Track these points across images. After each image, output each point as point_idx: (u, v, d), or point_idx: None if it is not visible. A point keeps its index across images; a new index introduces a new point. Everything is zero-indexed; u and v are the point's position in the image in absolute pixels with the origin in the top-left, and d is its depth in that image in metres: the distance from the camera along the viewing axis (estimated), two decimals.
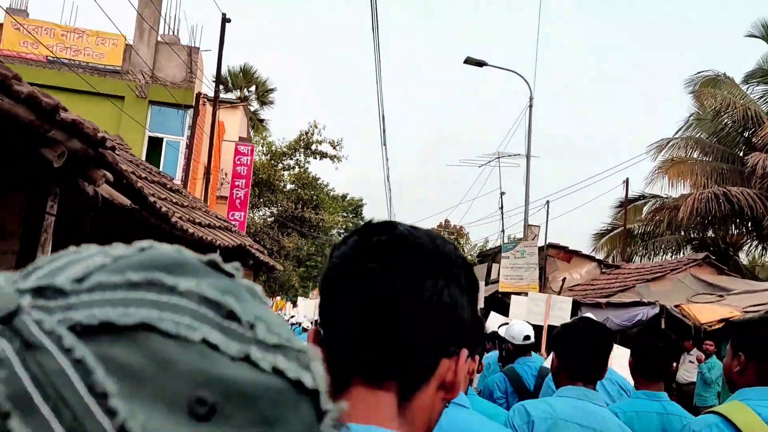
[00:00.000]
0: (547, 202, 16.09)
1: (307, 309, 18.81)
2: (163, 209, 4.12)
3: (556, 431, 1.92)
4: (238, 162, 18.85)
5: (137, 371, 0.26)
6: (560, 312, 7.44)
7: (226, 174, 18.91)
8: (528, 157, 15.05)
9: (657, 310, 9.72)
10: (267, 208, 34.78)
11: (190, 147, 12.53)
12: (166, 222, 4.24)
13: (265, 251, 8.41)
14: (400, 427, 0.66)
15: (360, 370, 0.66)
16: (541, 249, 14.85)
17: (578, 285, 14.03)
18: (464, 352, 0.69)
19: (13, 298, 0.27)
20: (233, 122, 20.22)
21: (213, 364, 0.27)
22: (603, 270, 14.98)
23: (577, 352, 2.09)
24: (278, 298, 40.09)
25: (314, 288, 38.98)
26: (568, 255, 14.87)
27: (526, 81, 15.38)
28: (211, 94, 14.17)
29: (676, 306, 9.82)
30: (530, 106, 15.21)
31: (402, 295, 0.65)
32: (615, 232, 23.45)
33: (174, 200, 5.70)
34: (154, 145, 13.53)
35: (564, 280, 12.01)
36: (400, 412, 0.66)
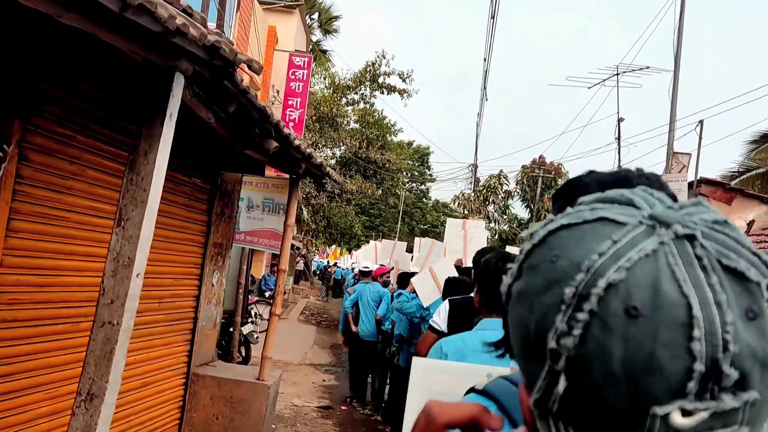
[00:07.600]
0: (701, 121, 11.99)
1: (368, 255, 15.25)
2: None
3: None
4: (293, 76, 15.53)
5: None
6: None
7: (278, 91, 15.66)
8: (677, 59, 11.03)
9: None
10: (329, 149, 31.69)
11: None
12: None
13: (313, 152, 5.07)
14: None
15: None
16: (689, 185, 11.02)
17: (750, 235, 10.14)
18: None
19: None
20: (288, 30, 16.85)
21: None
22: None
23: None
24: (334, 246, 37.22)
25: (377, 238, 35.78)
26: (729, 194, 10.89)
27: None
28: None
29: None
30: None
31: None
32: (752, 173, 19.03)
33: None
34: None
35: (751, 223, 8.23)
36: None
